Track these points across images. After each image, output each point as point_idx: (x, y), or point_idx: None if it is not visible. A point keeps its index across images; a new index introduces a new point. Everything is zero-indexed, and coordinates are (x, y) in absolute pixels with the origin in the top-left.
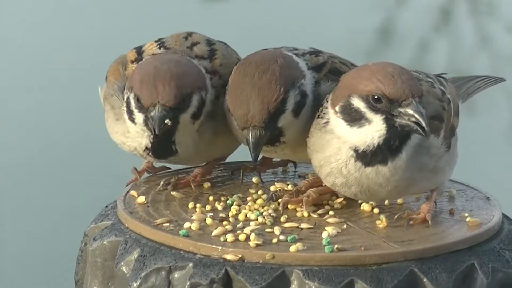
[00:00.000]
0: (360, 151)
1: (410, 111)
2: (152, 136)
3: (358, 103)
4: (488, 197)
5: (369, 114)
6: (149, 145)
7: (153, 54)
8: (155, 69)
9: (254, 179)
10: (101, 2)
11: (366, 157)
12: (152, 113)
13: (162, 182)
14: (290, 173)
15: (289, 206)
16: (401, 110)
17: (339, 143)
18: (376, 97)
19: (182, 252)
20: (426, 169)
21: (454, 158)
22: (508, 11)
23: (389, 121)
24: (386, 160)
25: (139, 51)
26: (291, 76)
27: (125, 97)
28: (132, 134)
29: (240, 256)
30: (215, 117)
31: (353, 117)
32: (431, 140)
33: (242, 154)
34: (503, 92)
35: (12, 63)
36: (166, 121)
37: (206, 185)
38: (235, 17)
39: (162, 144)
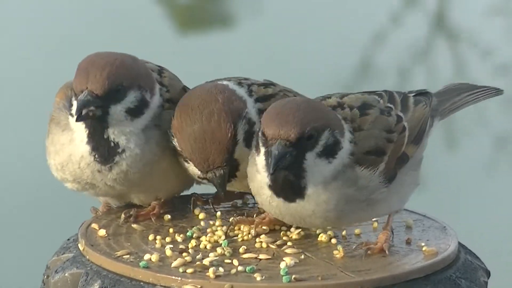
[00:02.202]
0: (271, 186)
1: (270, 150)
2: (90, 131)
3: (259, 133)
4: (444, 227)
5: (260, 144)
6: (91, 145)
7: None
8: (96, 57)
9: (218, 214)
10: (75, 33)
11: (281, 192)
12: (78, 97)
13: (123, 215)
14: (250, 205)
15: (244, 228)
16: (269, 148)
17: (260, 178)
18: (262, 131)
19: (142, 283)
20: (355, 201)
21: (405, 187)
22: (485, 40)
23: (267, 154)
24: (299, 195)
25: None
26: (236, 108)
27: (72, 99)
28: (76, 136)
29: (199, 286)
30: (161, 128)
31: (256, 146)
32: (359, 172)
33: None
34: (483, 125)
35: None
36: (91, 108)
37: (167, 217)
38: (213, 50)
39: (100, 140)
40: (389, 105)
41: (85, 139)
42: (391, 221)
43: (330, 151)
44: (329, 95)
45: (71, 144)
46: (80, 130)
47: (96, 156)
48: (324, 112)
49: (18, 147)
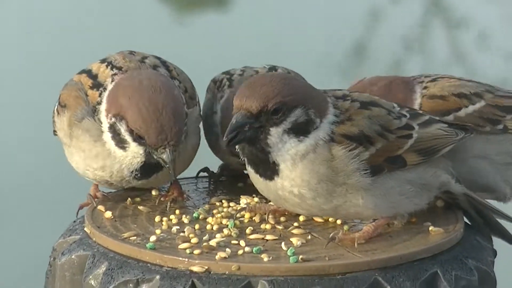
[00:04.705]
0: (248, 163)
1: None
2: (143, 162)
3: None
4: (450, 207)
5: None
6: (139, 168)
7: (112, 75)
8: (152, 104)
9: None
10: (70, 16)
11: (256, 169)
12: (164, 156)
13: (168, 204)
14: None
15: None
16: None
17: None
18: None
19: (149, 264)
20: (330, 182)
21: (394, 196)
22: (482, 25)
23: None
24: (273, 171)
25: (91, 75)
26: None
27: (109, 123)
28: (119, 159)
29: (206, 267)
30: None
31: None
32: (335, 152)
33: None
34: None
35: None
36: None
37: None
38: (208, 32)
39: (152, 166)
40: (403, 113)
41: (135, 164)
42: (382, 222)
43: (300, 129)
44: (352, 91)
45: (108, 159)
46: (122, 153)
47: (138, 175)
48: (300, 89)
49: (19, 133)
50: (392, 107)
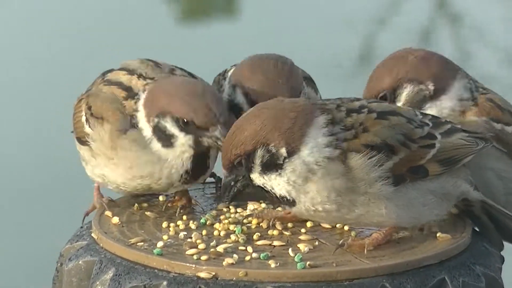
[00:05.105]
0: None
1: None
2: (192, 157)
3: None
4: (458, 213)
5: None
6: (190, 170)
7: (145, 85)
8: (192, 91)
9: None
10: (72, 20)
11: (277, 203)
12: (216, 133)
13: (178, 210)
14: None
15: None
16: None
17: None
18: None
19: (156, 270)
20: (352, 193)
21: (417, 207)
22: (488, 29)
23: None
24: (288, 201)
25: (124, 87)
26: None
27: (152, 125)
28: (168, 161)
29: (213, 273)
30: None
31: None
32: (353, 163)
33: None
34: None
35: None
36: None
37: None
38: (212, 37)
39: (199, 164)
40: (426, 121)
41: (187, 165)
42: (392, 230)
43: (273, 165)
44: (365, 100)
45: (157, 164)
46: (171, 152)
47: (187, 178)
48: (256, 130)
49: (25, 135)
50: (414, 115)
